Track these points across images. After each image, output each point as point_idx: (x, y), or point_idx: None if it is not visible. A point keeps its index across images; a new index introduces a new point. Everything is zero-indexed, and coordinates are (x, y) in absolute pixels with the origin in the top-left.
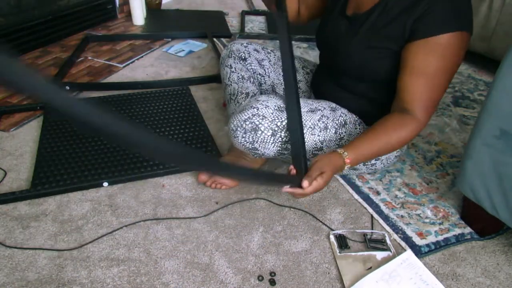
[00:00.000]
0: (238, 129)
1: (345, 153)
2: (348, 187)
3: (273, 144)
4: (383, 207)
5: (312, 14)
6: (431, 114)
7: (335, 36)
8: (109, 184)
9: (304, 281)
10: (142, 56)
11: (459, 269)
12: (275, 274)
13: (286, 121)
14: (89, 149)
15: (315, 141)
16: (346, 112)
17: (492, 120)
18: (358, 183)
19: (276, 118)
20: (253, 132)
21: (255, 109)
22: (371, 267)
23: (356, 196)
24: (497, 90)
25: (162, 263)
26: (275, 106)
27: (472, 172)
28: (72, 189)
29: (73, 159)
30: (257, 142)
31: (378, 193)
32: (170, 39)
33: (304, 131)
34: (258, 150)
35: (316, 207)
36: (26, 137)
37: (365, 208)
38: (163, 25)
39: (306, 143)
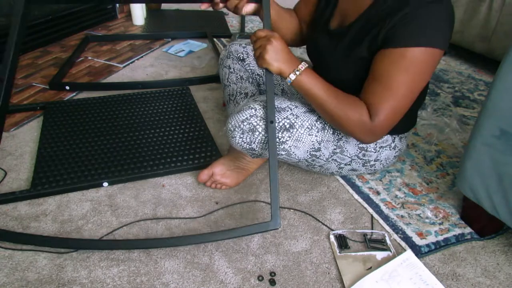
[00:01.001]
0: (236, 129)
1: (304, 64)
2: (348, 187)
3: None
4: (383, 207)
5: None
6: (390, 123)
7: (319, 51)
8: (109, 184)
9: (304, 281)
10: (142, 56)
11: (459, 269)
12: (275, 274)
13: (283, 121)
14: (89, 149)
15: (312, 141)
16: None
17: (492, 120)
18: (358, 183)
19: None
20: (250, 133)
21: (253, 110)
22: (371, 267)
23: (356, 196)
24: (497, 90)
25: (162, 263)
26: None
27: (472, 172)
28: (72, 189)
29: (73, 159)
30: (254, 143)
31: (378, 193)
32: (170, 39)
33: (302, 132)
34: (256, 150)
35: (316, 207)
36: (26, 137)
37: (365, 208)
38: (163, 25)
39: (303, 143)
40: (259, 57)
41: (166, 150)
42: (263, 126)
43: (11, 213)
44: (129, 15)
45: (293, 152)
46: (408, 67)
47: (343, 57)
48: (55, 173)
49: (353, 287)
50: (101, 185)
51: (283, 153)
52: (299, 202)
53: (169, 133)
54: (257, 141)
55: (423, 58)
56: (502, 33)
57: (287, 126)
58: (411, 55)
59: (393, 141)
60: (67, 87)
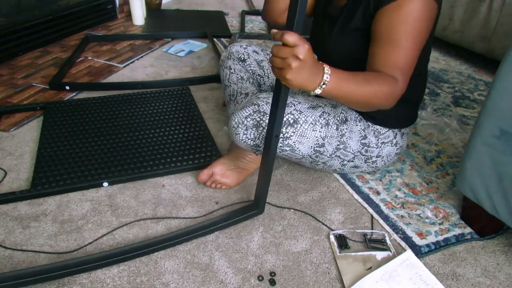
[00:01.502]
0: (240, 126)
1: (328, 71)
2: (348, 187)
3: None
4: (383, 207)
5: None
6: (406, 73)
7: (320, 35)
8: (109, 184)
9: (304, 281)
10: (142, 56)
11: (459, 269)
12: (275, 274)
13: (287, 116)
14: (89, 149)
15: (316, 137)
16: (347, 109)
17: (492, 120)
18: (358, 183)
19: None
20: (254, 129)
21: (256, 106)
22: (371, 267)
23: (356, 196)
24: (497, 90)
25: (162, 263)
26: None
27: (472, 172)
28: (72, 189)
29: (73, 159)
30: (258, 139)
31: (378, 193)
32: (170, 39)
33: (306, 127)
34: (260, 147)
35: (316, 207)
36: (26, 137)
37: (365, 208)
38: (163, 25)
39: (307, 139)
40: (279, 73)
41: (166, 150)
42: (267, 122)
43: (11, 213)
44: (129, 15)
45: (297, 148)
46: (406, 17)
47: (339, 35)
48: (55, 173)
49: (353, 287)
50: (101, 185)
51: (287, 148)
52: (299, 202)
53: (169, 133)
54: (261, 136)
55: (418, 6)
56: (502, 33)
57: (291, 121)
58: (406, 4)
59: (395, 137)
60: (67, 87)
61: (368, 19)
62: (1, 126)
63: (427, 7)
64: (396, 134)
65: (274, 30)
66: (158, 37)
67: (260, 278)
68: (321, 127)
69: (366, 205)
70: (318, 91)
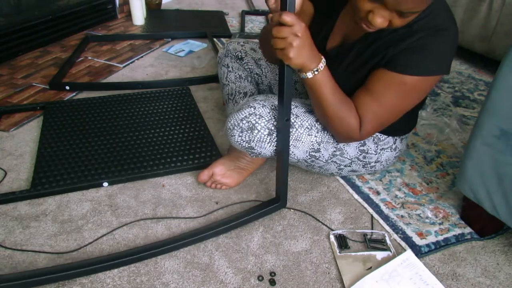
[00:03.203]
0: (235, 128)
1: (323, 62)
2: (348, 187)
3: (269, 144)
4: (383, 207)
5: None
6: (372, 134)
7: None
8: (109, 184)
9: (304, 281)
10: (142, 56)
11: (459, 269)
12: (275, 274)
13: None
14: (89, 149)
15: (311, 141)
16: None
17: (492, 120)
18: (358, 183)
19: (273, 118)
20: (249, 131)
21: (252, 108)
22: (371, 267)
23: (356, 196)
24: (497, 90)
25: (162, 263)
26: (272, 105)
27: (472, 172)
28: (72, 189)
29: (73, 159)
30: (253, 141)
31: (378, 193)
32: (170, 39)
33: (301, 131)
34: (255, 149)
35: (316, 207)
36: (26, 137)
37: (365, 208)
38: (163, 25)
39: (302, 143)
40: (282, 52)
41: (166, 150)
42: (262, 125)
43: (11, 213)
44: (129, 15)
45: (292, 152)
46: (406, 93)
47: (343, 78)
48: (55, 173)
49: (353, 287)
50: (101, 185)
51: None
52: (299, 202)
53: (169, 133)
54: (256, 139)
55: (423, 85)
56: (502, 33)
57: None
58: (412, 83)
59: (394, 143)
60: (67, 87)
61: (372, 67)
62: (1, 126)
63: (431, 83)
64: (396, 139)
65: (271, 14)
66: (158, 37)
67: (260, 278)
68: (317, 132)
69: (366, 205)
70: (309, 75)
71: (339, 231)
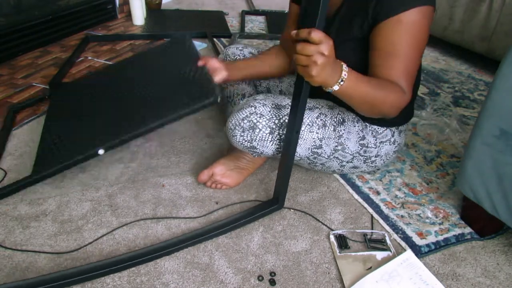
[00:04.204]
0: (236, 127)
1: (345, 68)
2: (348, 187)
3: (271, 142)
4: (383, 207)
5: None
6: (411, 84)
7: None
8: (105, 151)
9: (304, 281)
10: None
11: (459, 269)
12: (275, 274)
13: (283, 118)
14: (85, 122)
15: (313, 138)
16: (344, 110)
17: (492, 120)
18: (358, 183)
19: (274, 116)
20: (251, 131)
21: (252, 108)
22: (371, 267)
23: (356, 196)
24: (497, 90)
25: (162, 263)
26: (272, 104)
27: (472, 172)
28: (68, 165)
29: (69, 135)
30: (255, 141)
31: (378, 193)
32: (169, 39)
33: (303, 128)
34: (257, 148)
35: (316, 207)
36: (26, 137)
37: (365, 208)
38: (163, 25)
39: (304, 140)
40: (304, 70)
41: (161, 100)
42: (263, 123)
43: (11, 213)
44: (129, 15)
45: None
46: (407, 30)
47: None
48: (55, 152)
49: (353, 287)
50: (96, 154)
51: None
52: (299, 202)
53: (160, 85)
54: (258, 138)
55: (418, 18)
56: (502, 33)
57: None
58: (406, 18)
59: (393, 136)
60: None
61: (366, 30)
62: (1, 126)
63: (425, 15)
64: (394, 132)
65: (294, 32)
66: (158, 37)
67: (260, 278)
68: (318, 128)
69: (366, 205)
70: (336, 88)
71: (339, 231)
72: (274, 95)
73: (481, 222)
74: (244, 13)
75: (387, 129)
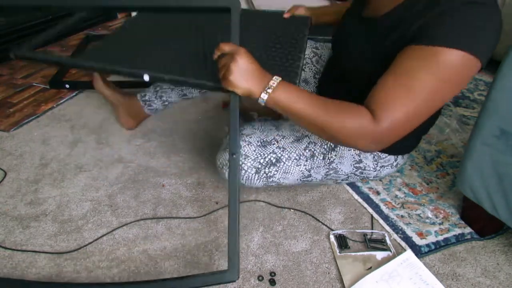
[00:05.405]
0: (224, 167)
1: (276, 79)
2: (348, 187)
3: (258, 180)
4: (383, 207)
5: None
6: (399, 129)
7: (346, 36)
8: (149, 79)
9: (304, 281)
10: None
11: (459, 269)
12: (275, 274)
13: (269, 156)
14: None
15: (301, 171)
16: None
17: (492, 120)
18: (358, 183)
19: (259, 156)
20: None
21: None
22: (371, 267)
23: (356, 196)
24: (497, 90)
25: (162, 263)
26: (258, 141)
27: (472, 172)
28: (114, 70)
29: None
30: (242, 179)
31: (378, 193)
32: None
33: (289, 164)
34: (245, 185)
35: (316, 207)
36: (26, 137)
37: (365, 208)
38: None
39: (292, 175)
40: (223, 78)
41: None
42: (248, 164)
43: (11, 213)
44: (129, 15)
45: (283, 182)
46: (437, 70)
47: (367, 46)
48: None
49: (353, 287)
50: (141, 76)
51: (273, 184)
52: (299, 202)
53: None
54: (244, 178)
55: (457, 63)
56: (502, 33)
57: (274, 160)
58: (444, 56)
59: (395, 160)
60: (67, 86)
61: (400, 47)
62: (1, 126)
63: (468, 65)
64: (397, 157)
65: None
66: None
67: (260, 278)
68: (306, 160)
69: (366, 205)
70: (264, 96)
71: (339, 231)
72: (265, 122)
73: (481, 222)
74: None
75: (390, 156)
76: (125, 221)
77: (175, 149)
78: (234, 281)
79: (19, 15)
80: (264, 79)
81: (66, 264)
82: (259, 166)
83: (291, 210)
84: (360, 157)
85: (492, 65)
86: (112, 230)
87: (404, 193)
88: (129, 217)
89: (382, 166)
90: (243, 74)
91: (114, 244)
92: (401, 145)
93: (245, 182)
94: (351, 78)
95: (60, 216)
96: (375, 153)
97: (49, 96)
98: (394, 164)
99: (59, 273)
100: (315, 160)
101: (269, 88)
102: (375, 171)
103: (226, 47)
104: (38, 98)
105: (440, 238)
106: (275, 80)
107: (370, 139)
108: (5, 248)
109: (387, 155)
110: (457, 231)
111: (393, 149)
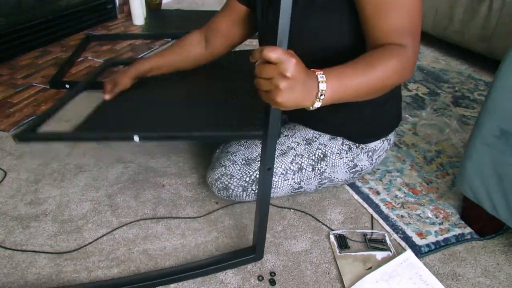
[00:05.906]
0: (213, 185)
1: (321, 75)
2: (348, 187)
3: (247, 197)
4: (383, 207)
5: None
6: (416, 40)
7: (267, 27)
8: (140, 140)
9: (304, 281)
10: (142, 56)
11: (459, 269)
12: (275, 274)
13: (254, 174)
14: (129, 106)
15: (290, 184)
16: (325, 143)
17: (492, 120)
18: (358, 183)
19: (245, 174)
20: (225, 191)
21: (223, 168)
22: (371, 267)
23: (356, 196)
24: (497, 90)
25: (162, 263)
26: (242, 160)
27: (472, 172)
28: (103, 137)
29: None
30: (231, 197)
31: (378, 193)
32: (170, 39)
33: (275, 179)
34: (235, 201)
35: (316, 207)
36: None
37: (365, 208)
38: (163, 25)
39: (281, 189)
40: (267, 96)
41: (211, 113)
42: (235, 184)
43: (11, 213)
44: (129, 15)
45: (273, 196)
46: None
47: (303, 17)
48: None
49: (353, 287)
50: (131, 138)
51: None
52: (299, 202)
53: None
54: (233, 195)
55: None
56: (502, 33)
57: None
58: None
59: (388, 144)
60: (67, 86)
61: None
62: (1, 126)
63: None
64: (387, 139)
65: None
66: (158, 37)
67: (260, 278)
68: (294, 174)
69: (366, 205)
70: (317, 105)
71: (339, 231)
72: (248, 140)
73: (481, 222)
74: None
75: (383, 142)
76: (125, 221)
77: (175, 149)
78: (259, 259)
79: (19, 15)
80: (313, 86)
81: (66, 264)
82: (245, 185)
83: (291, 210)
84: (354, 162)
85: (492, 65)
86: (112, 230)
87: (404, 193)
88: (129, 217)
89: (379, 156)
90: (293, 91)
91: (114, 244)
92: (384, 125)
93: (235, 199)
94: (330, 49)
95: (60, 216)
96: (368, 150)
97: (49, 96)
98: (386, 148)
99: (59, 273)
100: (304, 173)
101: (321, 95)
102: (371, 165)
103: (273, 54)
104: (38, 98)
105: (440, 238)
106: (322, 80)
107: (412, 64)
108: (5, 248)
109: (379, 143)
110: (457, 231)
111: (378, 133)
